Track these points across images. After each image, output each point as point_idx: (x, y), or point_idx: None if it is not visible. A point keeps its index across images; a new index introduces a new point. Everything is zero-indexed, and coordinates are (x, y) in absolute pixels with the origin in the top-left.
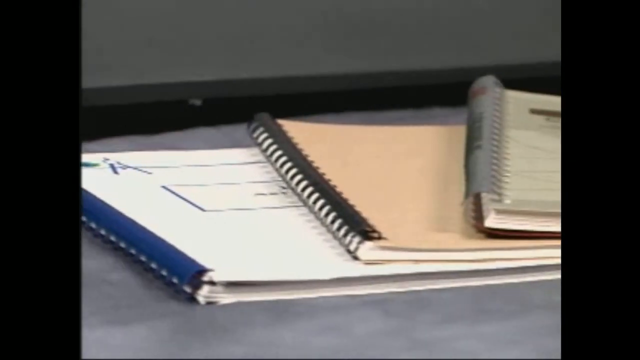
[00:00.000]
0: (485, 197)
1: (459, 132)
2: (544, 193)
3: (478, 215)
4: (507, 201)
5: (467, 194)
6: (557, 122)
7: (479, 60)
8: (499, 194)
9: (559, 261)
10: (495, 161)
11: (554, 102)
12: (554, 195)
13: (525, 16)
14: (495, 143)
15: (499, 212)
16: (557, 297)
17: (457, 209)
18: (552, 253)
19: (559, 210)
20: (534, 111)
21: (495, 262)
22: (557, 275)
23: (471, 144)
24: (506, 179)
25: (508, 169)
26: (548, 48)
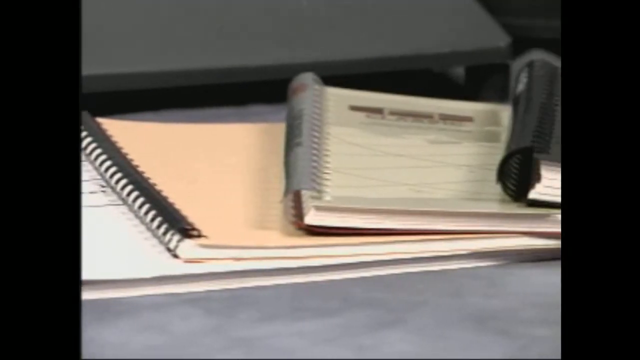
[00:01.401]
0: (305, 194)
1: (279, 129)
2: (364, 190)
3: (298, 212)
4: (327, 198)
5: (286, 191)
6: (377, 119)
7: (297, 57)
8: (319, 191)
9: (378, 257)
10: (315, 158)
11: (374, 98)
12: (374, 192)
13: (345, 13)
14: (315, 140)
15: (318, 209)
16: (377, 294)
17: (278, 207)
18: (372, 249)
19: (379, 206)
20: (354, 108)
21: (315, 259)
22: (377, 272)
23: (291, 141)
24: (326, 176)
25: (328, 165)
26: (367, 45)
